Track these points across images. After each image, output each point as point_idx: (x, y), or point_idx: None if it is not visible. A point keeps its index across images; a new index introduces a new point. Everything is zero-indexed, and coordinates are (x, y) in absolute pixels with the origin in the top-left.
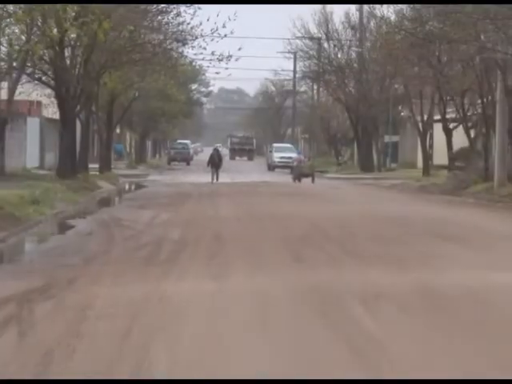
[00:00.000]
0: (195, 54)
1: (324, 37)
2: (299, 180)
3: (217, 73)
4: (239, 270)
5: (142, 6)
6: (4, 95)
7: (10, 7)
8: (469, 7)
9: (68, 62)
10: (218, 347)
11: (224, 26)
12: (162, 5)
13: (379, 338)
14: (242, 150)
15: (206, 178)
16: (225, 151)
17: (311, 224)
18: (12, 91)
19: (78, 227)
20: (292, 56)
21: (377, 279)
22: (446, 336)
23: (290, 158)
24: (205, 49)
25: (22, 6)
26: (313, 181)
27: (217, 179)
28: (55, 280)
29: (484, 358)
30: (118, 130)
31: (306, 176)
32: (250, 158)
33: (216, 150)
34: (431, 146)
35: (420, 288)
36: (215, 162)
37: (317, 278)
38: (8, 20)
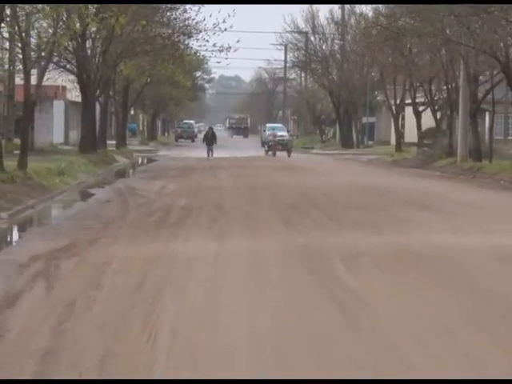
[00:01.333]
0: (199, 46)
1: (311, 31)
2: (274, 153)
3: (218, 62)
4: (237, 233)
5: (154, 4)
6: (33, 81)
7: (39, 4)
8: (436, 5)
9: (89, 52)
10: (220, 296)
11: (224, 22)
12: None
13: (357, 289)
14: (238, 128)
15: (203, 155)
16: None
17: (299, 193)
18: (40, 77)
19: (98, 195)
20: (283, 47)
21: (356, 240)
22: (416, 288)
23: (281, 136)
24: (207, 41)
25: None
26: (289, 155)
27: (211, 154)
28: (78, 240)
29: (448, 307)
30: (132, 112)
31: (282, 150)
32: (245, 135)
33: (210, 129)
34: (403, 126)
35: (394, 248)
36: (209, 140)
37: (304, 240)
38: (37, 15)
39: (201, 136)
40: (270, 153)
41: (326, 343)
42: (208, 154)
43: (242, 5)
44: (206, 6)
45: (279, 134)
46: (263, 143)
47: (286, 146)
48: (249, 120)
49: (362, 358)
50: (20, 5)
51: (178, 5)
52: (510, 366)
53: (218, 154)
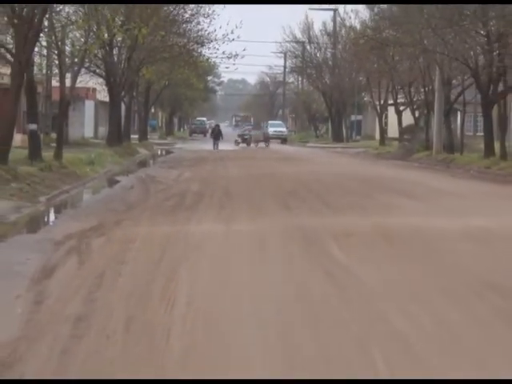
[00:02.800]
0: (211, 53)
1: (307, 41)
2: (249, 144)
3: (226, 67)
4: (243, 215)
5: (171, 17)
6: (68, 83)
7: (73, 17)
8: (415, 19)
9: (115, 58)
10: (228, 270)
11: (232, 32)
12: (186, 15)
13: (346, 263)
14: (243, 125)
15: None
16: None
17: (296, 181)
18: (74, 80)
19: (123, 182)
20: (283, 55)
21: (346, 222)
22: (397, 263)
23: (281, 131)
24: (218, 49)
25: (81, 16)
26: (267, 145)
27: (217, 147)
28: (106, 221)
29: (423, 278)
30: (152, 110)
31: (262, 141)
32: (249, 131)
33: (217, 126)
34: (386, 123)
35: (379, 228)
36: (215, 135)
37: (300, 221)
38: (71, 27)
39: None
40: (241, 144)
41: (320, 306)
42: (214, 146)
43: (248, 4)
44: (216, 18)
45: (279, 129)
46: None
47: (284, 140)
48: (252, 118)
49: (350, 318)
50: (56, 17)
51: (192, 18)
52: (472, 326)
53: (225, 146)
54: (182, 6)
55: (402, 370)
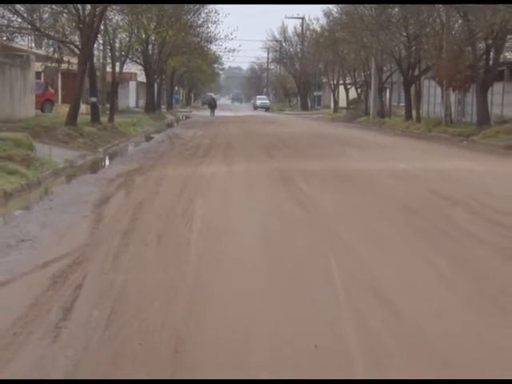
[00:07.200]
0: (216, 49)
1: (283, 40)
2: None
3: (227, 58)
4: (240, 161)
5: (189, 23)
6: (117, 69)
7: (120, 23)
8: (358, 23)
9: (150, 52)
10: (229, 197)
11: (231, 34)
12: (199, 22)
13: (310, 194)
14: (237, 98)
15: (220, 114)
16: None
17: (277, 138)
18: (121, 67)
19: (156, 138)
20: (266, 50)
21: (310, 166)
22: (345, 193)
23: (265, 103)
24: (221, 45)
25: (126, 22)
26: (212, 114)
27: (213, 115)
28: (144, 165)
29: (363, 204)
30: (176, 88)
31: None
32: (240, 102)
33: (213, 99)
34: (338, 97)
35: (334, 171)
36: (212, 105)
37: (279, 165)
38: (119, 30)
39: (218, 103)
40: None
41: (291, 220)
42: (211, 114)
43: (245, 5)
44: (220, 24)
45: (263, 101)
46: (254, 107)
47: (267, 109)
48: (242, 94)
49: (311, 227)
50: (109, 23)
51: (204, 23)
52: (393, 234)
53: (226, 113)
54: (196, 15)
55: (342, 258)
